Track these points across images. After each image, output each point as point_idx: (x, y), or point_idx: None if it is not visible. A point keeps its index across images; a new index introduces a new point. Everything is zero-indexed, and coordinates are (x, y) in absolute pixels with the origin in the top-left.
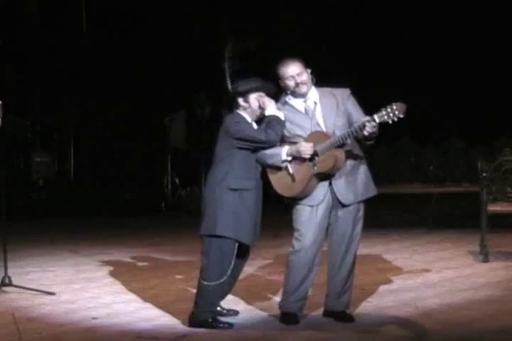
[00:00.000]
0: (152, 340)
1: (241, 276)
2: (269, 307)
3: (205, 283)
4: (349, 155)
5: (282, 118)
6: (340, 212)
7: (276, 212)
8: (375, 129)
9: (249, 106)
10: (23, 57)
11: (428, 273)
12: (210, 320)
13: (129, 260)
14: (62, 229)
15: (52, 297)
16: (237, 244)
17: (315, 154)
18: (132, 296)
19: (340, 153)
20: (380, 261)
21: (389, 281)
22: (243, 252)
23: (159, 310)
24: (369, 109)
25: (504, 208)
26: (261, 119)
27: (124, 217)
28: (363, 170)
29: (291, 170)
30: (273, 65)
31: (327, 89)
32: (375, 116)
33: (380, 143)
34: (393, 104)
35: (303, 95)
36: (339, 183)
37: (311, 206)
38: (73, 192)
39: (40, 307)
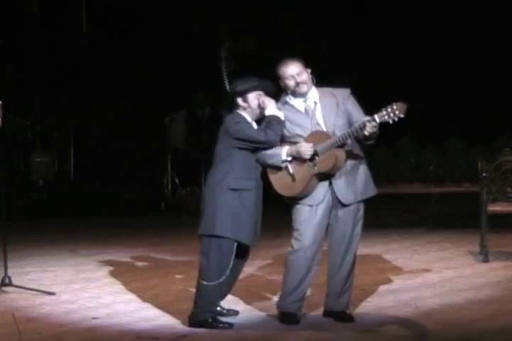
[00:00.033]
0: (152, 340)
1: (241, 276)
2: (269, 308)
3: (205, 283)
4: (349, 155)
5: (282, 118)
6: (340, 212)
7: (276, 212)
8: (375, 129)
9: (249, 106)
10: (23, 57)
11: (428, 273)
12: (210, 320)
13: (129, 260)
14: (62, 229)
15: (52, 297)
16: (236, 244)
17: (315, 154)
18: (132, 296)
19: (341, 153)
20: (380, 261)
21: (389, 281)
22: (243, 252)
23: (159, 310)
24: (369, 109)
25: (504, 208)
26: (261, 119)
27: (124, 217)
28: (363, 169)
29: (291, 170)
30: (273, 65)
31: (327, 89)
32: (376, 116)
33: (380, 143)
34: (393, 103)
35: (303, 95)
36: (339, 183)
37: (311, 206)
38: (73, 192)
39: (40, 307)
